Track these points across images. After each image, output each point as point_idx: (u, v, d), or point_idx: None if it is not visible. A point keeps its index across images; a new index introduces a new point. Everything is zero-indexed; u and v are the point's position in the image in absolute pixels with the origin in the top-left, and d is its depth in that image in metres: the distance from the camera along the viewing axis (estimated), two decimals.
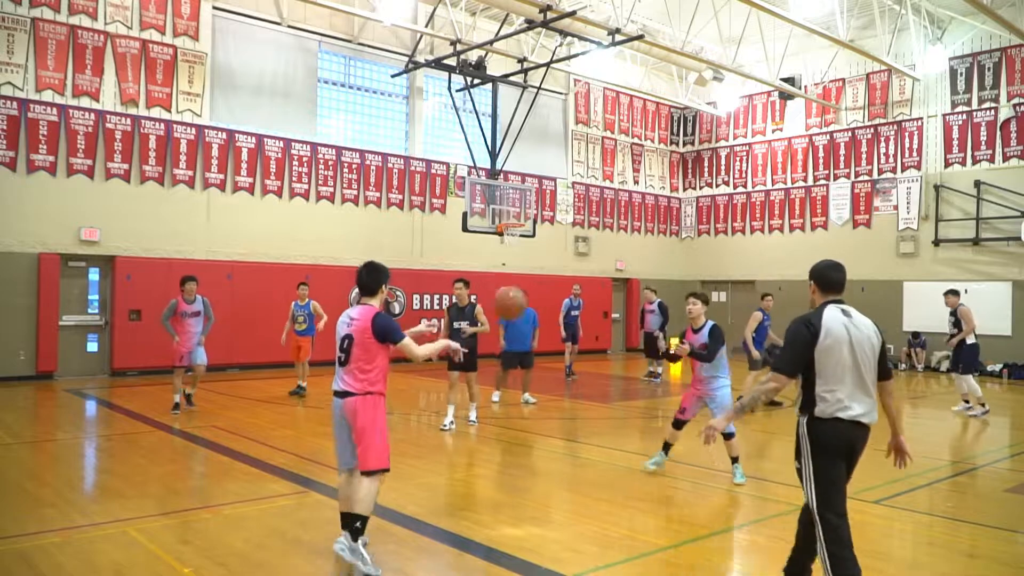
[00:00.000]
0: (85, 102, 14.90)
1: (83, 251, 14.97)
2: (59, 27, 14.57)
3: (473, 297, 10.80)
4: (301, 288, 13.10)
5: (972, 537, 5.68)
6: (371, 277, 5.47)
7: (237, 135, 16.71)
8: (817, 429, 4.17)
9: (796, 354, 4.20)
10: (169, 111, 15.84)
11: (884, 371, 4.30)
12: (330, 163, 18.05)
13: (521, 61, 18.50)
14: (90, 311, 15.27)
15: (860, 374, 4.15)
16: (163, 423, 10.11)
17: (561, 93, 22.75)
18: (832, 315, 4.23)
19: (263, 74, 17.22)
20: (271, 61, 17.34)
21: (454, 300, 10.55)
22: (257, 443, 8.94)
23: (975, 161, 19.59)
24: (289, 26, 17.46)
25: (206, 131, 16.28)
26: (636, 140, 24.80)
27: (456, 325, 10.23)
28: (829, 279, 4.42)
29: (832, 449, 4.13)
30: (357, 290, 5.44)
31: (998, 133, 19.21)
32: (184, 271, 15.61)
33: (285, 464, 7.87)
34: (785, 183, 23.33)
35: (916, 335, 19.69)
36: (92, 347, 15.27)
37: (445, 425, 10.05)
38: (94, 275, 15.31)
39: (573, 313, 16.18)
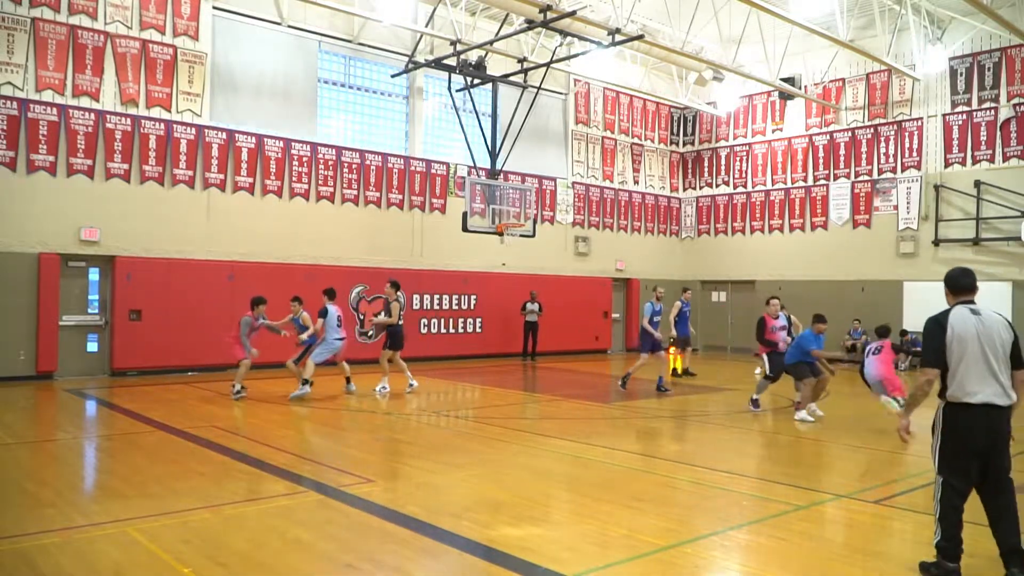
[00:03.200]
0: (85, 102, 14.91)
1: (83, 251, 14.97)
2: (59, 27, 14.57)
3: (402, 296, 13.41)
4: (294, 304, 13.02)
5: (970, 537, 5.66)
6: None
7: (237, 135, 16.72)
8: (949, 413, 4.89)
9: (932, 348, 4.94)
10: (169, 111, 15.85)
11: (1017, 361, 4.89)
12: (330, 163, 18.05)
13: (521, 61, 18.50)
14: (90, 311, 15.27)
15: (989, 363, 4.78)
16: (163, 423, 10.11)
17: (561, 93, 22.76)
18: (959, 313, 4.93)
19: (263, 74, 17.22)
20: (271, 61, 17.34)
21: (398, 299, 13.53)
22: (257, 443, 8.94)
23: (975, 161, 19.59)
24: (289, 26, 17.46)
25: (206, 131, 16.28)
26: (636, 140, 24.80)
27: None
28: (957, 283, 5.11)
29: (961, 429, 4.81)
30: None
31: (998, 133, 19.21)
32: (184, 271, 15.72)
33: (285, 464, 7.87)
34: (785, 183, 23.33)
35: (903, 332, 19.60)
36: (92, 347, 15.27)
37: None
38: (94, 275, 15.31)
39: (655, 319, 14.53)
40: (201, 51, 16.21)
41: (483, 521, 6.05)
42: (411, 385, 13.57)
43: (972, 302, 5.03)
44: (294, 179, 17.49)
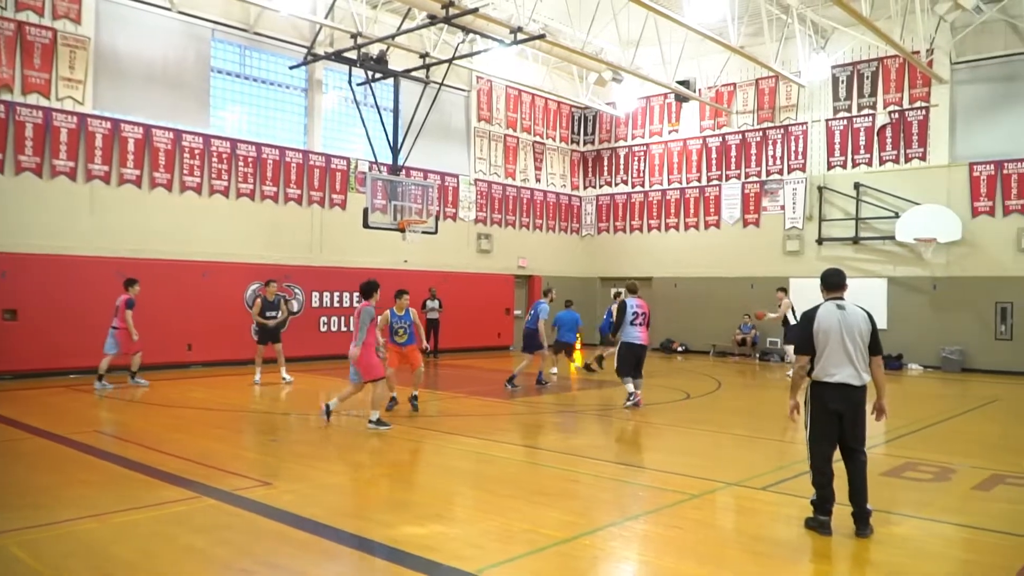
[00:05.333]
0: None
1: None
2: None
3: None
4: (403, 298, 11.04)
5: (852, 520, 6.01)
6: None
7: (123, 125, 15.94)
8: (813, 389, 5.82)
9: (802, 338, 5.84)
10: (48, 98, 14.97)
11: (874, 348, 5.77)
12: (224, 156, 17.44)
13: (423, 56, 18.40)
14: None
15: (847, 350, 5.67)
16: (43, 429, 9.56)
17: (463, 90, 22.74)
18: (826, 308, 5.83)
19: (152, 61, 16.48)
20: (160, 48, 16.60)
21: (264, 295, 14.21)
22: (147, 448, 8.57)
23: (855, 164, 20.71)
24: (180, 11, 16.76)
25: (89, 120, 15.46)
26: (538, 138, 25.06)
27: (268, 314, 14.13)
28: (828, 282, 6.01)
29: (822, 401, 5.74)
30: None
31: (875, 138, 20.37)
32: (66, 268, 14.89)
33: (177, 469, 7.57)
34: (681, 183, 24.05)
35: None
36: None
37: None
38: None
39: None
40: (84, 35, 15.37)
41: (385, 521, 6.00)
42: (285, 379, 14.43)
43: (840, 298, 5.91)
44: (185, 172, 16.82)
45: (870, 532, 5.65)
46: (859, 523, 5.68)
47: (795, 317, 16.19)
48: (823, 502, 5.74)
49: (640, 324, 11.86)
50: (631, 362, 11.86)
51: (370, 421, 9.81)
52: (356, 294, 19.51)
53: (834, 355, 5.69)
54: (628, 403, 11.83)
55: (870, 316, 5.83)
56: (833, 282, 5.98)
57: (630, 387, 11.91)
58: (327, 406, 10.30)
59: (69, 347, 14.76)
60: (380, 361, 10.16)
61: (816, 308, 5.87)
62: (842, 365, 5.68)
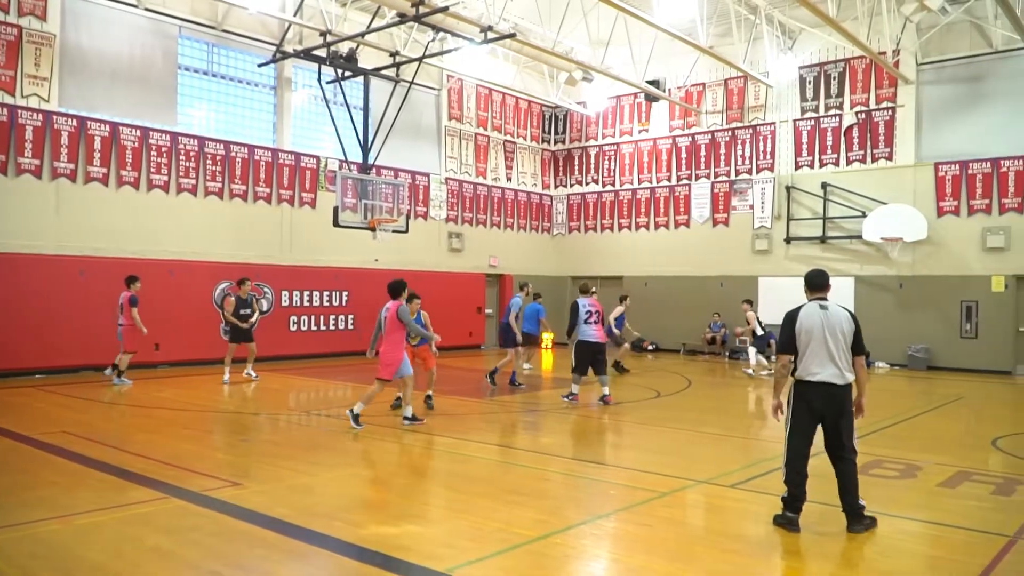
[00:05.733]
0: None
1: None
2: None
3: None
4: (415, 301, 10.98)
5: (821, 516, 6.10)
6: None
7: (89, 122, 15.69)
8: (796, 388, 5.87)
9: (785, 338, 5.91)
10: (12, 95, 14.68)
11: (857, 348, 5.85)
12: (192, 154, 17.23)
13: (393, 55, 18.33)
14: None
15: (829, 350, 5.73)
16: (7, 429, 9.38)
17: (434, 88, 22.68)
18: (809, 309, 5.89)
19: (118, 59, 16.22)
20: (127, 45, 16.34)
21: (238, 294, 14.35)
22: (114, 449, 8.45)
23: (822, 164, 20.98)
24: (147, 8, 16.52)
25: (55, 117, 15.19)
26: (509, 137, 25.07)
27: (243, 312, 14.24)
28: (812, 282, 6.07)
29: (804, 400, 5.80)
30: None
31: (843, 138, 20.65)
32: (31, 267, 14.63)
33: (144, 470, 7.48)
34: (651, 182, 24.19)
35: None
36: None
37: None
38: None
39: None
40: (49, 32, 15.09)
41: (357, 521, 5.98)
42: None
43: (824, 298, 5.97)
44: (152, 170, 16.59)
45: (863, 528, 5.73)
46: (850, 519, 5.77)
47: (761, 328, 17.02)
48: (794, 500, 5.82)
49: (595, 322, 12.04)
50: (587, 360, 12.06)
51: (405, 417, 10.09)
52: (327, 293, 19.52)
53: (816, 355, 5.76)
54: (567, 399, 12.17)
55: (853, 316, 5.91)
56: (817, 283, 6.05)
57: (575, 388, 12.26)
58: (353, 413, 9.75)
59: (34, 347, 14.51)
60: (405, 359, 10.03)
61: (799, 308, 5.95)
62: (824, 364, 5.75)
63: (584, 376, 12.26)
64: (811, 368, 5.77)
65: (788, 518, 5.81)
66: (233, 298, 14.40)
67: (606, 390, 12.10)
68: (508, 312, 14.77)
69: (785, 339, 5.91)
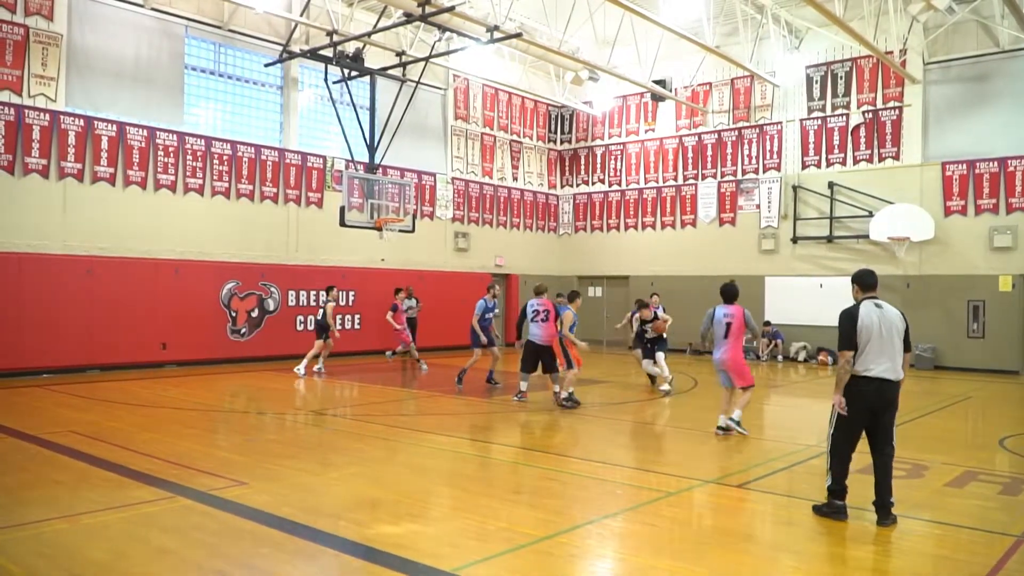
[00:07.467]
0: None
1: None
2: None
3: None
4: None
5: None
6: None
7: (96, 122, 15.73)
8: (852, 381, 6.04)
9: (845, 335, 6.08)
10: (20, 95, 14.74)
11: (906, 345, 6.16)
12: (199, 154, 17.27)
13: (400, 55, 18.33)
14: None
15: (885, 347, 6.01)
16: (13, 428, 9.42)
17: (440, 88, 22.69)
18: (866, 307, 6.15)
19: (125, 59, 16.27)
20: (133, 45, 16.39)
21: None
22: (119, 448, 8.47)
23: (829, 164, 20.91)
24: (153, 8, 16.56)
25: (62, 117, 15.24)
26: (515, 137, 25.05)
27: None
28: (865, 282, 6.37)
29: (858, 394, 6.01)
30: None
31: (849, 138, 20.58)
32: (38, 266, 14.68)
33: (150, 469, 7.49)
34: (657, 182, 24.15)
35: (766, 323, 20.82)
36: None
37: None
38: None
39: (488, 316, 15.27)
40: (56, 32, 15.15)
41: (361, 520, 5.98)
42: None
43: (876, 297, 6.28)
44: (159, 170, 16.63)
45: (891, 522, 5.93)
46: (881, 513, 5.98)
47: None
48: (840, 488, 6.09)
49: (541, 321, 12.16)
50: (531, 360, 12.22)
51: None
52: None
53: (874, 351, 6.01)
54: (516, 399, 12.31)
55: (903, 315, 6.24)
56: (869, 282, 6.35)
57: (523, 385, 12.38)
58: (734, 421, 9.89)
59: (39, 346, 14.56)
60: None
61: (857, 306, 6.19)
62: (881, 361, 6.00)
63: (530, 374, 12.34)
64: (868, 364, 6.00)
65: (837, 507, 6.07)
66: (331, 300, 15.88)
67: (556, 387, 12.22)
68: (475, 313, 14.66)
69: (847, 337, 6.09)
